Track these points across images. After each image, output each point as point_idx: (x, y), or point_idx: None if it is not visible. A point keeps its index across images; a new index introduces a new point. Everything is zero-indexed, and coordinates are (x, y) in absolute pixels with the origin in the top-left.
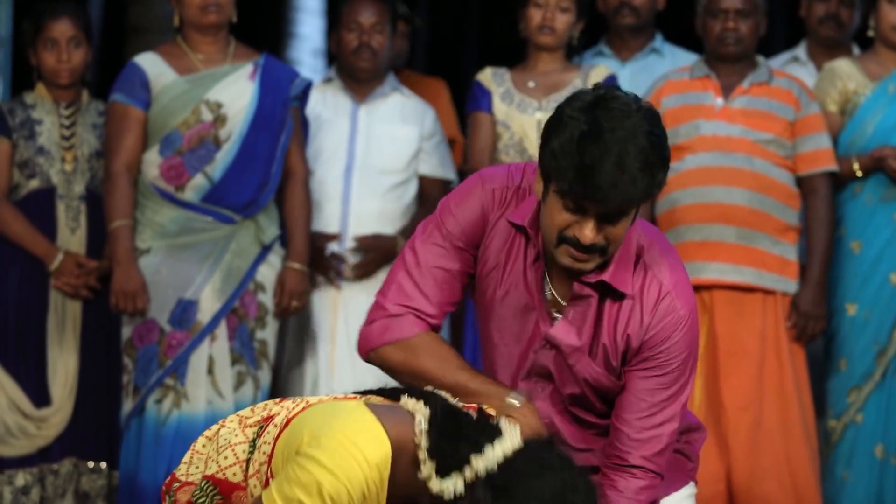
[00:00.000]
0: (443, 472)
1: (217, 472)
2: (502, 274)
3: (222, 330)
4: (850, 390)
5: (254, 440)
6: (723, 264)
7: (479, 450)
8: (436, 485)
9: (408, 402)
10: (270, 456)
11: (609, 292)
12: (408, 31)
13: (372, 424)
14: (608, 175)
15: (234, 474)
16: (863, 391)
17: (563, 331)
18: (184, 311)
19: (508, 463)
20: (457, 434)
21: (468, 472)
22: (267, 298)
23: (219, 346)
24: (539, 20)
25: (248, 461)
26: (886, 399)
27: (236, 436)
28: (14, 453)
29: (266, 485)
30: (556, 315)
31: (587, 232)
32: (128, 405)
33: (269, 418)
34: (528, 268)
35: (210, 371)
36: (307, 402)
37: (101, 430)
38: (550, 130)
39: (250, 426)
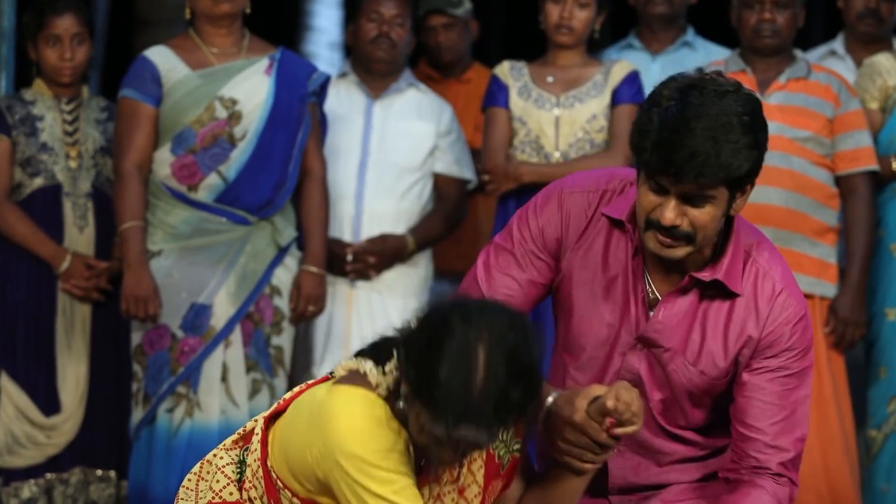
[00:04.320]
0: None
1: (213, 498)
2: (596, 273)
3: (237, 336)
4: (890, 399)
5: (241, 459)
6: None
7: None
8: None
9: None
10: (263, 460)
11: (717, 292)
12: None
13: (357, 390)
14: (684, 149)
15: (231, 493)
16: None
17: (659, 327)
18: (197, 315)
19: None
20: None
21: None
22: (283, 303)
23: (233, 353)
24: (556, 18)
25: (239, 480)
26: None
27: (222, 459)
28: (23, 463)
29: (269, 493)
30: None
31: (667, 212)
32: (138, 414)
33: (250, 433)
34: (627, 263)
35: (224, 379)
36: (283, 398)
37: (111, 437)
38: (643, 108)
39: (231, 448)
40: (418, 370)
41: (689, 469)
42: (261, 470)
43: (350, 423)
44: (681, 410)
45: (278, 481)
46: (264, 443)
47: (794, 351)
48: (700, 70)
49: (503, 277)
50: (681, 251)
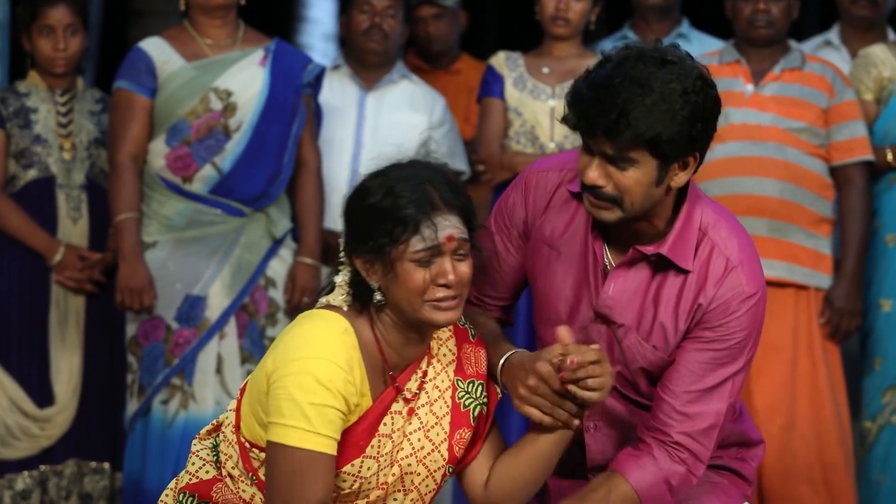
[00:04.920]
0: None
1: (190, 480)
2: (556, 248)
3: (231, 327)
4: (885, 390)
5: (214, 444)
6: None
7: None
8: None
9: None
10: (237, 426)
11: (669, 269)
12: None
13: (320, 312)
14: (598, 105)
15: (207, 472)
16: None
17: (610, 302)
18: (191, 307)
19: None
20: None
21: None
22: (278, 294)
23: (228, 345)
24: (552, 10)
25: (216, 461)
26: None
27: (196, 445)
28: (16, 455)
29: (243, 458)
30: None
31: (589, 171)
32: (132, 406)
33: (220, 423)
34: (586, 237)
35: (219, 370)
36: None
37: (105, 429)
38: (587, 69)
39: (205, 438)
40: (376, 214)
41: None
42: (234, 436)
43: (306, 331)
44: (635, 385)
45: (246, 443)
46: (238, 409)
47: (735, 327)
48: (657, 40)
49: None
50: (611, 214)
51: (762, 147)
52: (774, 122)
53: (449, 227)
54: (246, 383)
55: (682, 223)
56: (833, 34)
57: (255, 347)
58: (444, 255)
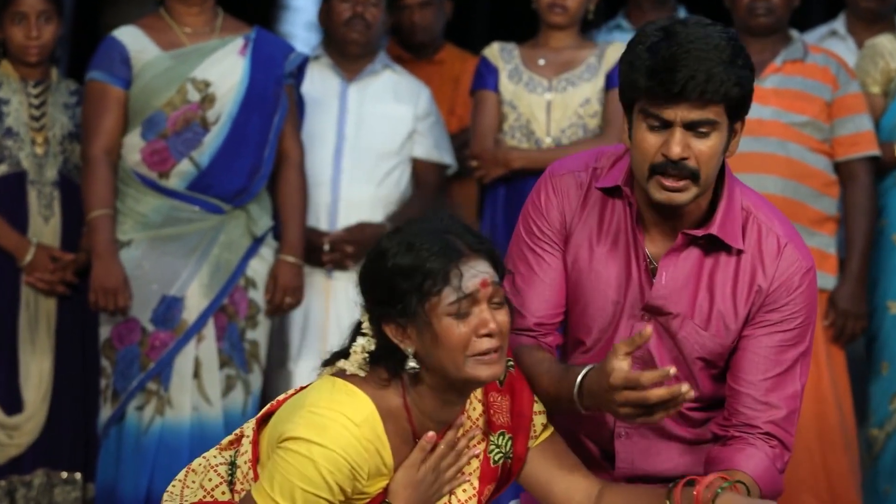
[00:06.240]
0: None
1: (205, 497)
2: (596, 248)
3: (210, 329)
4: (892, 396)
5: (232, 461)
6: None
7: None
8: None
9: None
10: (254, 461)
11: (720, 252)
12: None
13: (343, 387)
14: (685, 68)
15: (223, 493)
16: None
17: (664, 292)
18: (168, 308)
19: None
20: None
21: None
22: (258, 295)
23: (206, 348)
24: None
25: (231, 480)
26: None
27: (215, 458)
28: None
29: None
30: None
31: (674, 145)
32: (106, 412)
33: (242, 435)
34: (628, 231)
35: (196, 374)
36: (277, 399)
37: (76, 438)
38: (628, 49)
39: (227, 448)
40: (400, 272)
41: (700, 454)
42: (251, 472)
43: (325, 411)
44: (694, 382)
45: None
46: (256, 443)
47: (800, 304)
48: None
49: (533, 293)
50: (685, 195)
51: (763, 142)
52: (776, 116)
53: (480, 273)
54: (262, 415)
55: (725, 202)
56: (839, 24)
57: (234, 350)
58: (480, 303)
